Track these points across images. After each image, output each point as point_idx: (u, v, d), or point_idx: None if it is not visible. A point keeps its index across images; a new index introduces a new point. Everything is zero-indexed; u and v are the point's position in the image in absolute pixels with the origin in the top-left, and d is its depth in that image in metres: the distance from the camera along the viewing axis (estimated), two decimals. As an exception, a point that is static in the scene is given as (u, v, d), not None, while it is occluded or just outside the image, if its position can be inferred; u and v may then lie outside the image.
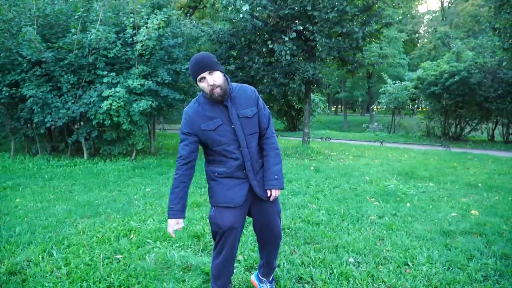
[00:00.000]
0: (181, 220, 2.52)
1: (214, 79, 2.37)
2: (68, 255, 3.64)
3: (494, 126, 16.54)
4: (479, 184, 6.88)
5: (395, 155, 10.88)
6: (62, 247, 3.86)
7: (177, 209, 2.49)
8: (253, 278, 3.06)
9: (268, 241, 2.76)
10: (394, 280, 3.16)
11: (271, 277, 2.96)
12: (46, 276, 3.22)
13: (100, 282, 3.09)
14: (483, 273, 3.31)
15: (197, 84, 2.47)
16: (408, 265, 3.48)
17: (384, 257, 3.64)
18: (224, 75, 2.47)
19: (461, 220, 4.74)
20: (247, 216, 2.71)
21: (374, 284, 3.12)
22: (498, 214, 5.02)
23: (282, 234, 2.70)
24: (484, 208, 5.34)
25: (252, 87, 2.66)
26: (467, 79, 14.45)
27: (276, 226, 2.72)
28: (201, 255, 3.67)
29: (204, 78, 2.39)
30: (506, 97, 14.19)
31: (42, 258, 3.59)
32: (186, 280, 3.18)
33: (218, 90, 2.38)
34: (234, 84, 2.60)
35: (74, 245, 3.91)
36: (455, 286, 3.09)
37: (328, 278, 3.20)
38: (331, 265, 3.41)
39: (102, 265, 3.40)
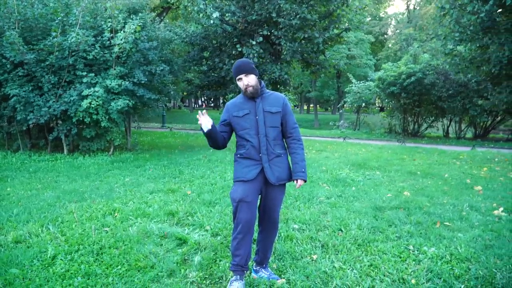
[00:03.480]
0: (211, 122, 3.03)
1: (248, 80, 3.05)
2: (63, 229, 4.37)
3: (448, 123, 17.84)
4: (418, 172, 7.91)
5: (354, 150, 11.89)
6: (57, 223, 4.59)
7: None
8: (252, 274, 3.34)
9: (265, 224, 3.22)
10: (327, 239, 4.05)
11: (264, 264, 3.32)
12: (48, 243, 3.95)
13: (94, 245, 3.86)
14: (398, 235, 4.24)
15: (236, 81, 3.14)
16: (341, 230, 4.39)
17: (324, 226, 4.53)
18: (258, 79, 3.14)
19: (394, 199, 5.70)
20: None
21: (312, 243, 4.00)
22: (425, 195, 6.02)
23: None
24: (416, 190, 6.34)
25: (284, 96, 3.25)
26: (422, 80, 15.67)
27: (275, 213, 3.18)
28: (176, 227, 4.47)
29: (241, 78, 3.07)
30: (456, 96, 15.45)
31: (41, 231, 4.32)
32: (163, 244, 3.96)
33: (250, 88, 3.05)
34: (270, 90, 3.26)
35: (67, 221, 4.64)
36: (374, 243, 4.00)
37: (277, 239, 4.06)
38: (280, 231, 4.28)
39: (94, 234, 4.16)
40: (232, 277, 3.12)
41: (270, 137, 3.09)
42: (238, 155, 3.15)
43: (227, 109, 3.19)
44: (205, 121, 2.99)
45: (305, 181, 3.16)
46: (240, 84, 3.10)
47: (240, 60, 3.15)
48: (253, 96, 3.10)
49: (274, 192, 3.14)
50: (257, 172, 3.06)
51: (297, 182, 3.13)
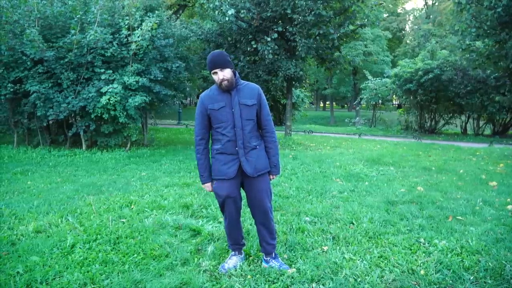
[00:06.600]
0: (210, 183, 3.25)
1: (224, 74, 3.01)
2: (81, 220, 4.52)
3: (466, 119, 17.61)
4: (433, 168, 7.88)
5: (368, 146, 11.87)
6: (76, 214, 4.74)
7: (206, 176, 3.24)
8: (263, 264, 3.38)
9: (257, 216, 3.30)
10: (338, 232, 4.10)
11: (273, 253, 3.37)
12: (67, 232, 4.09)
13: (111, 234, 3.99)
14: (409, 228, 4.26)
15: (211, 74, 3.10)
16: (353, 223, 4.43)
17: (335, 219, 4.58)
18: (233, 71, 3.09)
19: (407, 194, 5.70)
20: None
21: (323, 235, 4.06)
22: (439, 190, 6.01)
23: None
24: (429, 185, 6.33)
25: (258, 86, 3.24)
26: (440, 76, 15.49)
27: (263, 203, 3.23)
28: (190, 219, 4.57)
29: (216, 72, 3.03)
30: (475, 93, 15.26)
31: (61, 221, 4.47)
32: (178, 235, 4.07)
33: (226, 82, 3.02)
34: (244, 81, 3.23)
35: (85, 213, 4.79)
36: (385, 235, 4.03)
37: (288, 231, 4.13)
38: (291, 223, 4.35)
39: (111, 224, 4.30)
40: (231, 252, 3.46)
41: (246, 130, 3.11)
42: (215, 151, 3.19)
43: (202, 102, 3.17)
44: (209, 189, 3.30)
45: (278, 175, 3.41)
46: (215, 77, 3.07)
47: (215, 52, 3.10)
48: (228, 89, 3.09)
49: (256, 183, 3.20)
50: (236, 169, 3.13)
51: (270, 176, 3.35)
